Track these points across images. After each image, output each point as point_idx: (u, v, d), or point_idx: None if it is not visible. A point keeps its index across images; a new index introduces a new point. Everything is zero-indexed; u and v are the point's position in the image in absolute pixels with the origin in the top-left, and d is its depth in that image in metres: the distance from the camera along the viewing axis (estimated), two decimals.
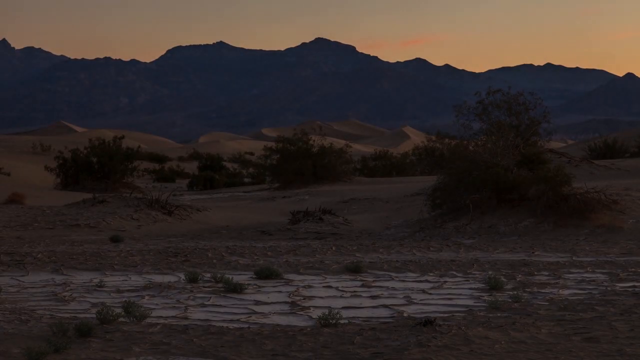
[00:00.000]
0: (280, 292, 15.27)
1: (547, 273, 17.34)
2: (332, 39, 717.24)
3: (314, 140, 53.23)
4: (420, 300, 14.33)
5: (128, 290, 15.41)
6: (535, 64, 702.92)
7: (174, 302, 14.22)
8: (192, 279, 16.36)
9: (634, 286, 15.35)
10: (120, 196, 34.72)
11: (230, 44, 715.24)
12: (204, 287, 15.72)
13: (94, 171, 51.98)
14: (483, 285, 15.69)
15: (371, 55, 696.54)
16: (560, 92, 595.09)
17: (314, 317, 12.65)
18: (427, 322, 11.39)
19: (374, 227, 28.73)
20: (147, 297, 14.65)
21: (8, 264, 18.91)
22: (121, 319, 12.20)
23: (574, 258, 19.77)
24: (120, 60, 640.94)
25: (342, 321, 11.96)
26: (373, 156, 72.73)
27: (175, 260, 19.59)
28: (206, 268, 18.49)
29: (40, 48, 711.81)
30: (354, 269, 17.76)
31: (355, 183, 50.40)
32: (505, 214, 26.71)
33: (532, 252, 21.01)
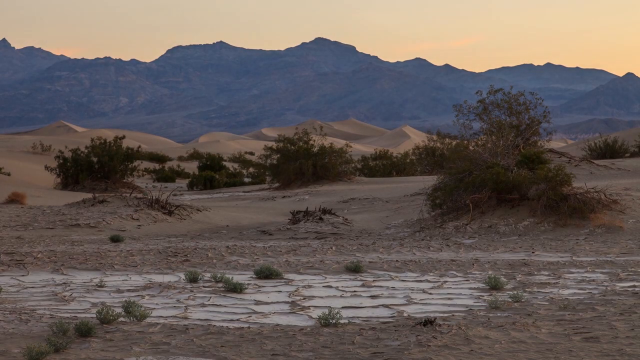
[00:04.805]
0: (280, 292, 15.26)
1: (547, 273, 17.33)
2: (332, 39, 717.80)
3: (314, 140, 53.23)
4: (420, 300, 14.32)
5: (128, 290, 15.40)
6: (535, 64, 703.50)
7: (174, 302, 14.21)
8: (192, 279, 16.35)
9: (634, 286, 15.34)
10: (120, 196, 34.72)
11: (230, 44, 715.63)
12: (204, 287, 15.71)
13: (94, 171, 52.01)
14: (483, 285, 15.68)
15: (371, 55, 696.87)
16: (560, 92, 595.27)
17: (314, 317, 12.65)
18: (427, 322, 11.39)
19: (374, 227, 28.73)
20: (147, 297, 14.64)
21: (8, 264, 18.90)
22: (121, 319, 12.19)
23: (574, 258, 19.76)
24: (120, 60, 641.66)
25: (342, 321, 11.95)
26: (373, 156, 72.73)
27: (175, 260, 19.58)
28: (206, 268, 18.48)
29: (40, 48, 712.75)
30: (354, 269, 17.75)
31: (355, 183, 50.39)
32: (505, 214, 26.71)
33: (532, 252, 21.00)
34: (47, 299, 14.55)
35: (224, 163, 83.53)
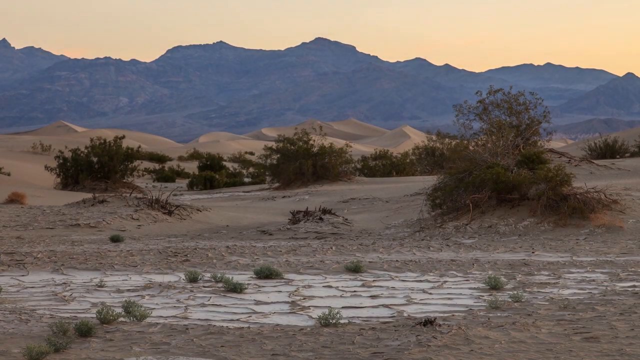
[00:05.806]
0: (280, 292, 15.26)
1: (547, 273, 17.33)
2: (332, 39, 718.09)
3: (314, 140, 53.23)
4: (420, 300, 14.32)
5: (128, 290, 15.40)
6: (535, 64, 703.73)
7: (174, 302, 14.21)
8: (192, 279, 16.35)
9: (634, 286, 15.34)
10: (120, 196, 34.73)
11: (230, 44, 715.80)
12: (204, 286, 15.71)
13: (94, 171, 52.02)
14: (483, 285, 15.68)
15: (371, 55, 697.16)
16: (560, 92, 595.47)
17: (314, 317, 12.65)
18: (427, 322, 11.39)
19: (374, 227, 28.72)
20: (147, 297, 14.64)
21: (8, 264, 18.90)
22: (121, 319, 12.19)
23: (574, 258, 19.76)
24: (120, 60, 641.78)
25: (342, 321, 11.95)
26: (373, 156, 72.73)
27: (175, 260, 19.59)
28: (206, 268, 18.48)
29: (40, 48, 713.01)
30: (354, 269, 17.75)
31: (355, 183, 50.40)
32: (505, 214, 26.71)
33: (532, 252, 21.01)
34: (47, 299, 14.54)
35: (224, 163, 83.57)
